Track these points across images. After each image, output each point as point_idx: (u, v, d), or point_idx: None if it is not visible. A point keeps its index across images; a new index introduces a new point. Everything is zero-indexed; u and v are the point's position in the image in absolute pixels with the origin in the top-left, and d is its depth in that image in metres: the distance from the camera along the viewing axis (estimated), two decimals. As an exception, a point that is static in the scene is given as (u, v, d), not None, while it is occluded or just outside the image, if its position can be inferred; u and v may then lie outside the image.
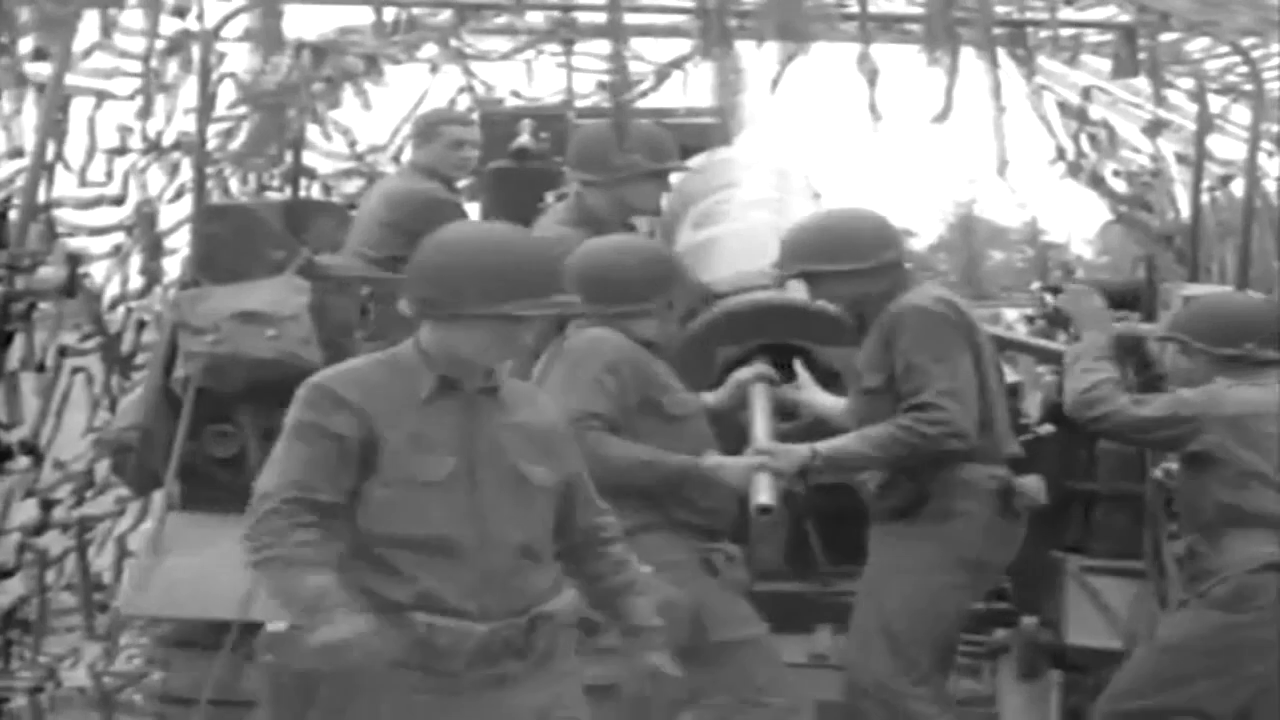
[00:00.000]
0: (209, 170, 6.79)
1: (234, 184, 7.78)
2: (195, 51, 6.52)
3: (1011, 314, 6.93)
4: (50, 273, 6.55)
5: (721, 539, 4.53)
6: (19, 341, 6.45)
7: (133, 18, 6.68)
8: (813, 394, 4.94)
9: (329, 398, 3.41)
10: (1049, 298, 6.81)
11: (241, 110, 7.47)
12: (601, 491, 3.72)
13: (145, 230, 7.10)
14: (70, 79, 6.50)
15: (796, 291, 5.20)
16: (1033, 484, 4.68)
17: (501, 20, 7.87)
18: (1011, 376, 5.50)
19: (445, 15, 7.54)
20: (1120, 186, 8.61)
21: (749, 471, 4.43)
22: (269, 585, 3.36)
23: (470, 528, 3.38)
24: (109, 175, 6.97)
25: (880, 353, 4.61)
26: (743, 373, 4.86)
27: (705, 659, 4.26)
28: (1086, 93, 8.10)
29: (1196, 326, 4.96)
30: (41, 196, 6.47)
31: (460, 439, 3.42)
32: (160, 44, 6.77)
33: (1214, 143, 7.25)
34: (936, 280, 5.01)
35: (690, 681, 3.90)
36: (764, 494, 4.39)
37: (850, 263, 4.68)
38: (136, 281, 7.13)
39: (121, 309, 7.06)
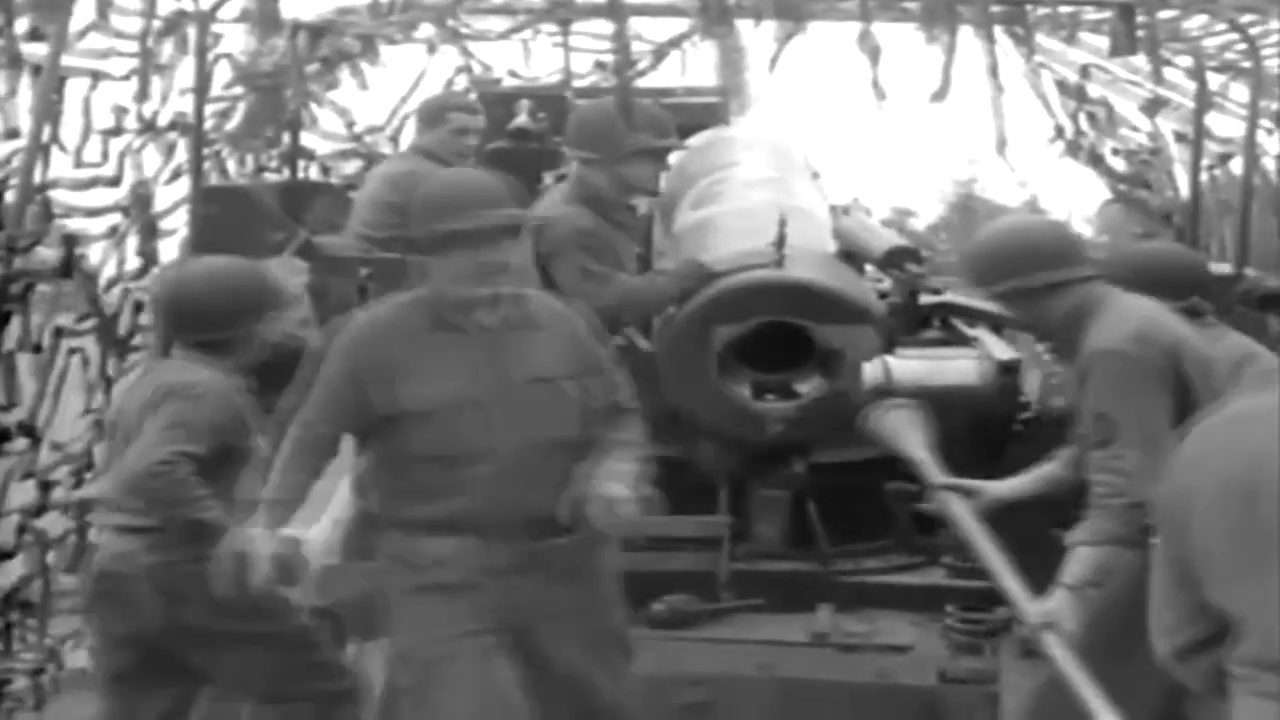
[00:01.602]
0: (206, 151, 6.77)
1: (231, 165, 7.76)
2: (191, 32, 6.51)
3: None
4: (47, 254, 6.54)
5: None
6: (16, 323, 6.43)
7: (129, -2, 6.67)
8: (994, 489, 4.52)
9: None
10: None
11: (238, 91, 7.45)
12: None
13: (141, 211, 7.08)
14: (66, 60, 6.47)
15: (795, 269, 5.20)
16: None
17: (498, 0, 7.85)
18: (1011, 354, 5.50)
19: (442, -5, 7.52)
20: (1119, 165, 8.62)
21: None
22: None
23: None
24: (105, 156, 6.94)
25: (1080, 396, 4.20)
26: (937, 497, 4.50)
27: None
28: (1085, 71, 8.09)
29: None
30: (37, 178, 6.45)
31: None
32: (156, 24, 6.75)
33: (1213, 120, 7.25)
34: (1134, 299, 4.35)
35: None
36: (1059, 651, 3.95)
37: (1009, 281, 4.25)
38: (133, 263, 7.10)
39: (118, 290, 7.04)
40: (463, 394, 3.94)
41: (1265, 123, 6.88)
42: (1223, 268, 5.96)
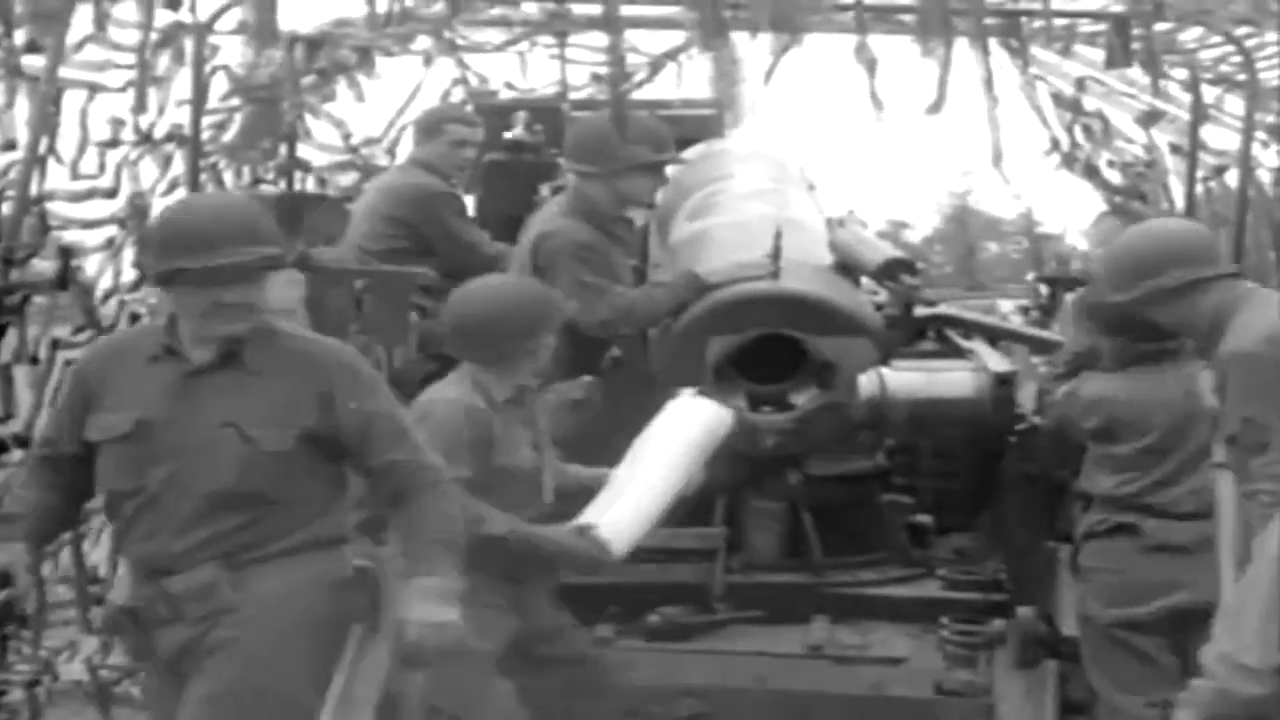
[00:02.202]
0: (202, 163, 6.77)
1: (228, 177, 7.76)
2: (188, 44, 6.51)
3: (1007, 305, 6.94)
4: (43, 266, 6.54)
5: None
6: (12, 334, 6.43)
7: (126, 10, 6.67)
8: None
9: None
10: (1044, 289, 6.83)
11: (235, 103, 7.45)
12: None
13: (138, 223, 7.07)
14: (63, 71, 6.48)
15: (790, 281, 5.21)
16: None
17: (495, 12, 7.86)
18: (1006, 366, 5.51)
19: (439, 7, 7.53)
20: (1115, 177, 8.62)
21: None
22: None
23: None
24: (101, 168, 6.94)
25: (1223, 399, 4.10)
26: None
27: None
28: (1081, 83, 8.10)
29: None
30: (34, 189, 6.45)
31: None
32: (153, 36, 6.76)
33: (1208, 133, 7.25)
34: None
35: None
36: None
37: (1146, 283, 4.23)
38: (129, 274, 7.11)
39: (114, 302, 7.05)
40: (135, 429, 3.69)
41: (1260, 135, 6.88)
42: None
